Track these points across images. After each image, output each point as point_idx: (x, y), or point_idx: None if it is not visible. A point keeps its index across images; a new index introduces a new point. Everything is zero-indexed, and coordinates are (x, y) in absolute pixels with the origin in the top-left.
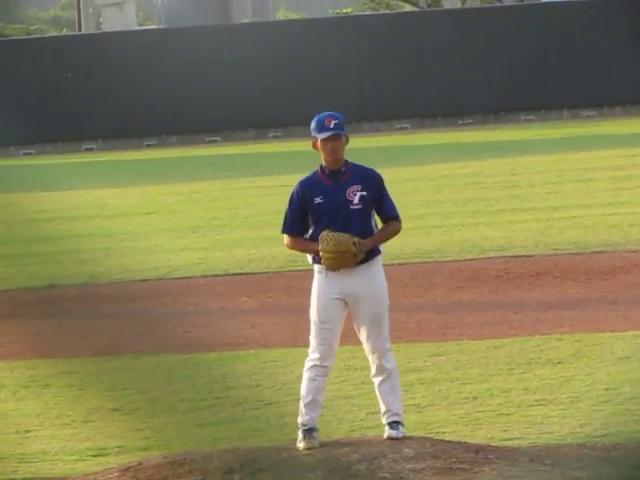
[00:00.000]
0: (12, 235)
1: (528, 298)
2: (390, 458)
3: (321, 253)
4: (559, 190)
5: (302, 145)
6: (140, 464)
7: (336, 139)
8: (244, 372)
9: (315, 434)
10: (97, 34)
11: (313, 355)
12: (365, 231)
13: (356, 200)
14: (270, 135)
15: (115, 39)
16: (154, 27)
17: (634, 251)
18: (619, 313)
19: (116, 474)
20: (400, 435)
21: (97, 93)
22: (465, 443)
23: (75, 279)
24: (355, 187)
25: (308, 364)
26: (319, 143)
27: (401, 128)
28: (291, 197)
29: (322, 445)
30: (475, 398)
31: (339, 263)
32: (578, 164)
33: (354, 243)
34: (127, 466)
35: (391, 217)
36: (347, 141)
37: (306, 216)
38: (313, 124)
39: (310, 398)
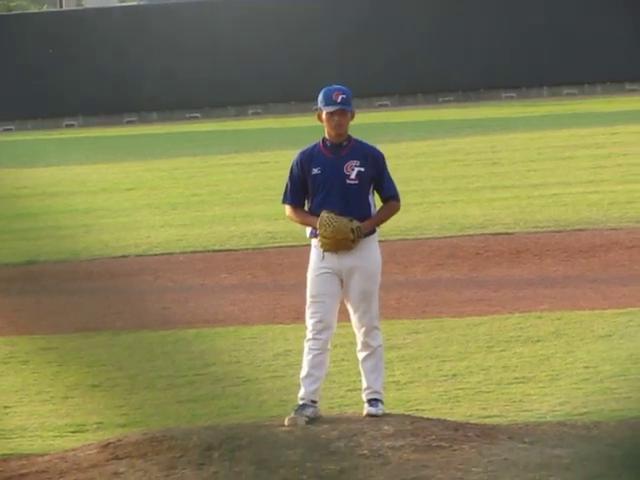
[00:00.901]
0: None
1: (508, 276)
2: (369, 435)
3: (319, 237)
4: (539, 168)
5: (282, 122)
6: (119, 440)
7: (342, 114)
8: (223, 349)
9: (310, 410)
10: (78, 10)
11: (308, 328)
12: (362, 207)
13: (353, 175)
14: (250, 112)
15: (96, 15)
16: (135, 3)
17: (614, 229)
18: (599, 291)
19: (95, 450)
20: (379, 412)
21: (78, 70)
22: (444, 420)
23: (54, 255)
24: (354, 162)
25: (305, 338)
26: (324, 116)
27: (381, 105)
28: (291, 167)
29: (301, 422)
30: (454, 376)
31: (336, 248)
32: (558, 142)
33: (352, 230)
34: (106, 442)
35: (390, 197)
36: (353, 117)
37: (306, 186)
38: (320, 96)
39: (305, 372)
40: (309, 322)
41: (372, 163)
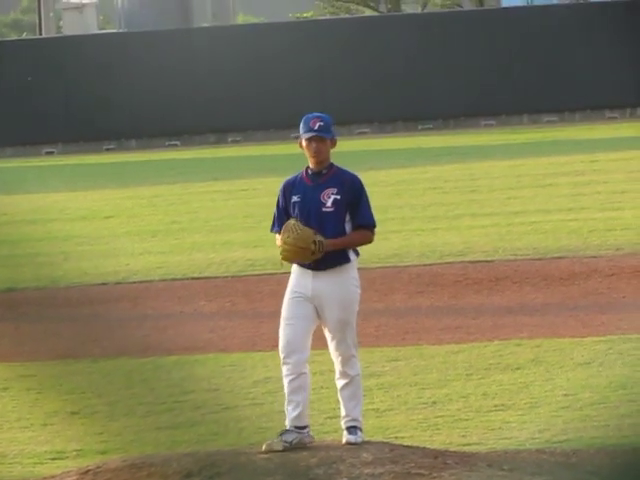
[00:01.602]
0: None
1: (487, 303)
2: (348, 463)
3: (281, 242)
4: (519, 195)
5: (262, 149)
6: (99, 467)
7: (319, 140)
8: (203, 376)
9: (292, 436)
10: (57, 38)
11: (279, 352)
12: (337, 235)
13: (329, 203)
14: (229, 139)
15: (75, 43)
16: (114, 31)
17: (594, 257)
18: (578, 319)
19: (74, 477)
20: (358, 440)
21: (57, 97)
22: (424, 448)
23: (34, 282)
24: (330, 190)
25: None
26: (304, 143)
27: (360, 133)
28: (278, 196)
29: (281, 450)
30: (434, 403)
31: (294, 256)
32: (538, 169)
33: (314, 242)
34: (86, 469)
35: (362, 225)
36: (334, 144)
37: (289, 214)
38: (301, 124)
39: (286, 398)
40: (279, 345)
41: (349, 190)
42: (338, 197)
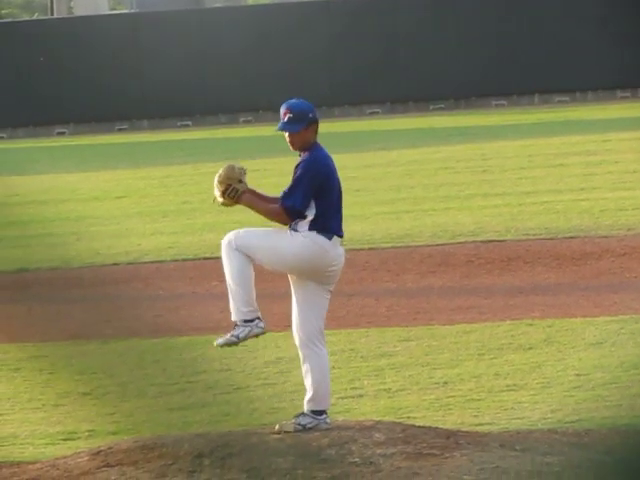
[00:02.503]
0: None
1: (499, 283)
2: (360, 443)
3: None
4: (530, 175)
5: (272, 130)
6: (110, 448)
7: (286, 133)
8: (214, 356)
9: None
10: (69, 18)
11: None
12: None
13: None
14: (241, 120)
15: (86, 23)
16: (125, 11)
17: (605, 237)
18: (590, 299)
19: (86, 458)
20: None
21: (69, 77)
22: (436, 428)
23: (46, 263)
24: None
25: None
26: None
27: (372, 113)
28: None
29: (293, 430)
30: (446, 383)
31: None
32: (549, 149)
33: (230, 185)
34: (97, 450)
35: (280, 198)
36: (311, 131)
37: None
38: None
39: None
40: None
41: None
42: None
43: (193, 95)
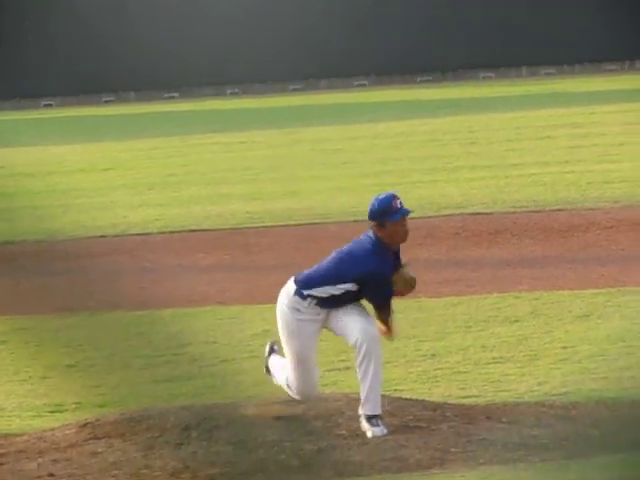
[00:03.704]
0: None
1: (486, 256)
2: (347, 416)
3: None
4: (517, 148)
5: (260, 102)
6: (97, 420)
7: (406, 220)
8: (200, 329)
9: None
10: None
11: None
12: None
13: None
14: (228, 92)
15: None
16: None
17: (592, 209)
18: (577, 271)
19: (73, 430)
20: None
21: (56, 49)
22: (422, 401)
23: (31, 236)
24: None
25: None
26: (388, 227)
27: (359, 85)
28: (388, 271)
29: (280, 402)
30: (433, 356)
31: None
32: (536, 122)
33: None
34: (84, 422)
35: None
36: None
37: None
38: (376, 208)
39: None
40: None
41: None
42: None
43: (180, 67)
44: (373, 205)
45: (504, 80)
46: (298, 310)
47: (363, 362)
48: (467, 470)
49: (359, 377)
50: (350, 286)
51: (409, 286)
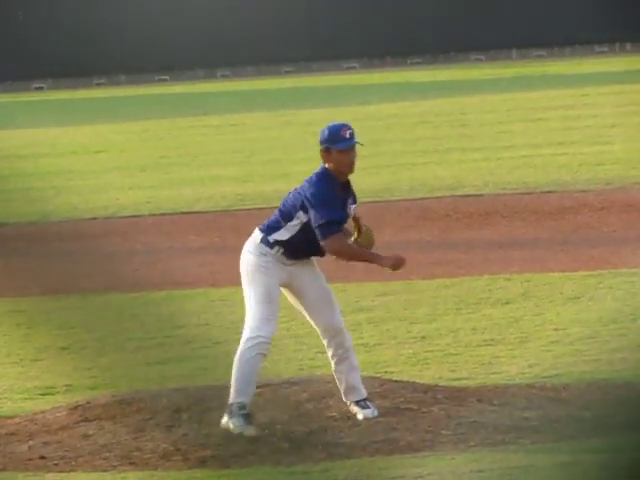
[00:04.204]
0: None
1: (477, 238)
2: (338, 398)
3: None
4: (509, 130)
5: (251, 84)
6: (88, 403)
7: (354, 150)
8: (192, 311)
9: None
10: None
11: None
12: None
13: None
14: (219, 74)
15: None
16: None
17: (583, 191)
18: (569, 253)
19: (65, 412)
20: (375, 413)
21: (46, 31)
22: (413, 383)
23: (24, 217)
24: (350, 201)
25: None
26: (334, 154)
27: (349, 68)
28: (328, 193)
29: (271, 384)
30: (423, 338)
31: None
32: (528, 104)
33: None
34: (75, 405)
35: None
36: None
37: None
38: (326, 134)
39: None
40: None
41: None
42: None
43: (171, 49)
44: (323, 131)
45: (495, 62)
46: (265, 255)
47: (351, 347)
48: (458, 452)
49: (353, 364)
50: (302, 217)
51: (369, 237)
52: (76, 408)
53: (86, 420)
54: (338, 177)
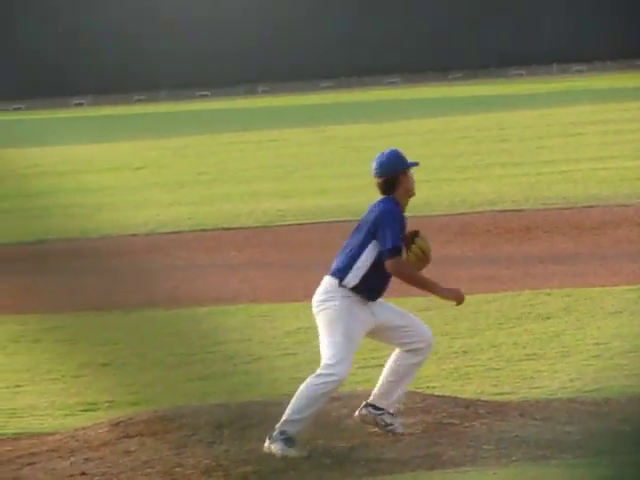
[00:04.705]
0: (1, 190)
1: (518, 253)
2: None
3: (416, 248)
4: (548, 144)
5: (290, 100)
6: (130, 419)
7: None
8: (234, 327)
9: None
10: None
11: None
12: None
13: None
14: (260, 90)
15: None
16: None
17: (624, 205)
18: (609, 268)
19: (106, 429)
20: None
21: (87, 49)
22: (455, 398)
23: (64, 234)
24: None
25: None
26: (401, 178)
27: (390, 82)
28: (398, 214)
29: None
30: (465, 352)
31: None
32: (567, 118)
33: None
34: (117, 421)
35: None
36: None
37: None
38: (394, 159)
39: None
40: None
41: None
42: None
43: (212, 65)
44: (381, 160)
45: (535, 77)
46: (348, 297)
47: (416, 367)
48: (500, 467)
49: (410, 379)
50: (372, 247)
51: (423, 254)
52: (118, 424)
53: (128, 436)
54: (403, 205)
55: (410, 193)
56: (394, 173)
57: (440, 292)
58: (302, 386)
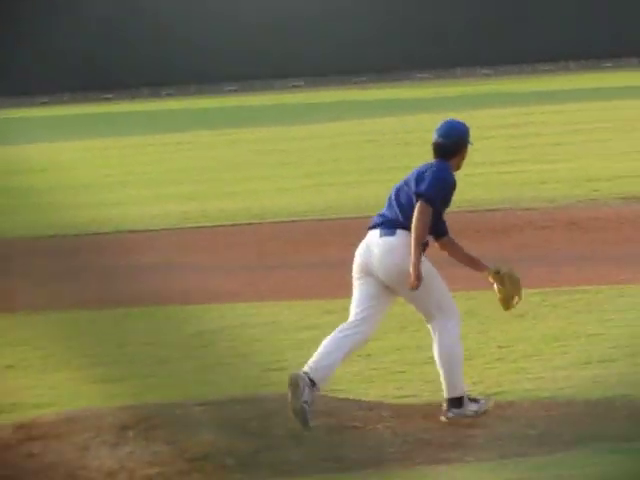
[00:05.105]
0: None
1: None
2: (284, 415)
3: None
4: None
5: (195, 103)
6: (33, 421)
7: None
8: (138, 329)
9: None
10: None
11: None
12: None
13: None
14: (163, 93)
15: None
16: None
17: (527, 209)
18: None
19: (10, 431)
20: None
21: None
22: (358, 401)
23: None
24: None
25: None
26: (464, 148)
27: (295, 86)
28: (450, 180)
29: (215, 403)
30: (369, 355)
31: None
32: (472, 122)
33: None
34: (20, 423)
35: None
36: None
37: None
38: (465, 129)
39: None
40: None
41: None
42: None
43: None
44: (453, 124)
45: (439, 81)
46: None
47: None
48: (403, 470)
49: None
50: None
51: (514, 287)
52: (21, 427)
53: (31, 439)
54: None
55: (460, 167)
56: (462, 141)
57: (415, 257)
58: (436, 351)
